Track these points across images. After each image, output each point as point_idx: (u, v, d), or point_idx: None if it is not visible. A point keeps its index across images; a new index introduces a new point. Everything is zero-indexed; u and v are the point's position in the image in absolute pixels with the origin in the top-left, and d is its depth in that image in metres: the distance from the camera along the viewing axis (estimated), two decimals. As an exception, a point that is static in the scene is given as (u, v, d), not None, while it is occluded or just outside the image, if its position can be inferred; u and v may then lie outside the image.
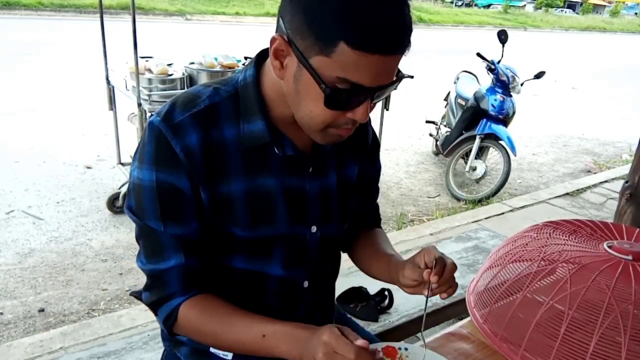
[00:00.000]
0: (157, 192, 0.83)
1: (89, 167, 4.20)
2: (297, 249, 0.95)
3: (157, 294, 0.88)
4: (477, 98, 4.17)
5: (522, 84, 4.16)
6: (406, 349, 0.93)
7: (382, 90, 0.77)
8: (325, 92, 0.74)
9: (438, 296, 0.89)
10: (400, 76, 0.79)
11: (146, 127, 0.85)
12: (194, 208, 0.85)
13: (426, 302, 0.89)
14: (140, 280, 2.71)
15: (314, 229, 0.95)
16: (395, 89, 0.81)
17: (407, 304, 1.62)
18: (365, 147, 1.06)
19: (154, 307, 0.90)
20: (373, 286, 1.62)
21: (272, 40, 0.78)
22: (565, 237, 1.10)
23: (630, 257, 0.98)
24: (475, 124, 4.13)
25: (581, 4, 44.65)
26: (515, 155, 4.06)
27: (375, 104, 0.80)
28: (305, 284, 0.99)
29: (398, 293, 1.65)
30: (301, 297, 1.00)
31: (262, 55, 0.89)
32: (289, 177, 0.90)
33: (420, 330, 0.94)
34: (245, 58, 3.50)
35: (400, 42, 0.73)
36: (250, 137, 0.86)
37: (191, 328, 0.88)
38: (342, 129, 0.82)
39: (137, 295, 0.94)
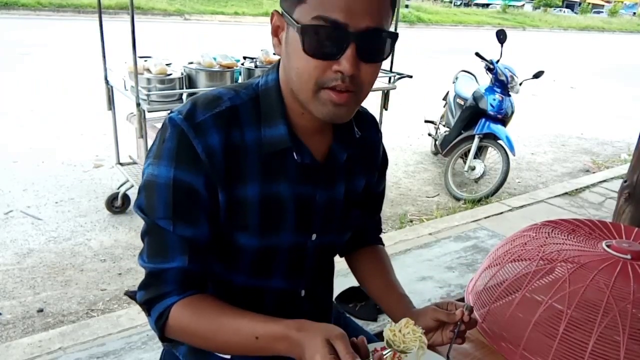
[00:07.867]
0: (173, 189, 0.81)
1: (97, 167, 4.20)
2: (297, 258, 0.94)
3: (153, 292, 0.85)
4: (476, 98, 4.17)
5: (520, 84, 4.16)
6: (405, 348, 0.93)
7: (365, 36, 0.73)
8: (299, 31, 0.74)
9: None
10: (390, 34, 0.76)
11: (166, 123, 0.83)
12: (207, 211, 0.83)
13: (453, 337, 0.91)
14: (139, 280, 2.72)
15: (314, 236, 0.94)
16: (388, 51, 0.78)
17: (406, 304, 1.62)
18: (375, 162, 1.05)
19: (147, 305, 0.87)
20: (372, 286, 1.61)
21: (272, 18, 0.81)
22: (564, 236, 1.10)
23: (628, 256, 0.98)
24: (474, 123, 4.14)
25: (580, 4, 44.67)
26: (514, 155, 4.07)
27: (362, 60, 0.75)
28: (302, 292, 0.99)
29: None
30: (299, 307, 1.00)
31: None
32: (303, 185, 0.89)
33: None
34: (244, 58, 3.49)
35: None
36: (271, 142, 0.84)
37: (181, 329, 0.84)
38: (334, 91, 0.77)
39: (131, 295, 0.92)
